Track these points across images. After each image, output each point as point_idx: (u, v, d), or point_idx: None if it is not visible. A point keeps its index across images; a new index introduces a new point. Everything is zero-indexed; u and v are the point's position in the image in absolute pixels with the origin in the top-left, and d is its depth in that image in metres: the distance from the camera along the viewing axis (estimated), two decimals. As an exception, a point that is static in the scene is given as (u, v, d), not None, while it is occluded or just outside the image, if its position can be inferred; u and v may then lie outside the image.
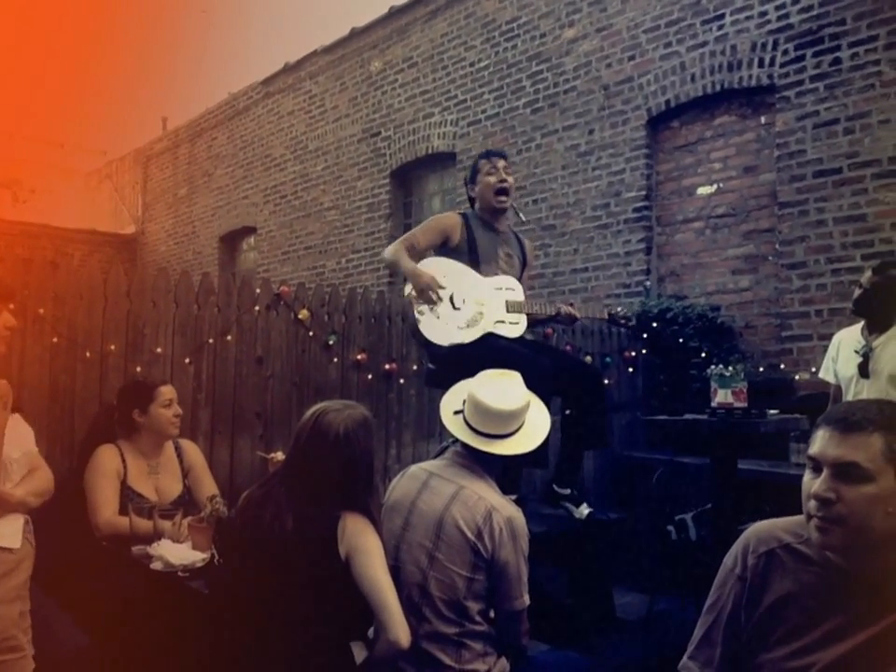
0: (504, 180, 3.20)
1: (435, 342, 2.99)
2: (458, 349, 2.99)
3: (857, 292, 3.31)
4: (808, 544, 1.39)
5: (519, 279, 3.28)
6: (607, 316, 3.47)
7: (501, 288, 3.16)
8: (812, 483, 1.33)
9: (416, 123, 7.66)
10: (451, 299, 3.05)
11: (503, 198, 3.21)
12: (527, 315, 3.19)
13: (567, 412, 3.20)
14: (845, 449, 1.31)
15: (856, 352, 3.29)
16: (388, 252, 3.17)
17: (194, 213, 10.95)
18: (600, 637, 3.09)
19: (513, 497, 2.58)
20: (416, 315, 3.00)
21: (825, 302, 4.78)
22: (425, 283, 2.99)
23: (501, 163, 3.23)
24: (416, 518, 2.08)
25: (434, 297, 2.99)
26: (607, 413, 3.35)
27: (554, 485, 3.24)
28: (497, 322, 3.09)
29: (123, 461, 2.72)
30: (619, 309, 3.62)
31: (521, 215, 3.56)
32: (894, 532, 1.29)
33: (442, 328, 3.00)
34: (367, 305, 3.99)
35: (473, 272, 3.13)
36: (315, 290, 3.82)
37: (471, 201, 3.33)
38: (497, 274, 3.19)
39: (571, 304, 3.28)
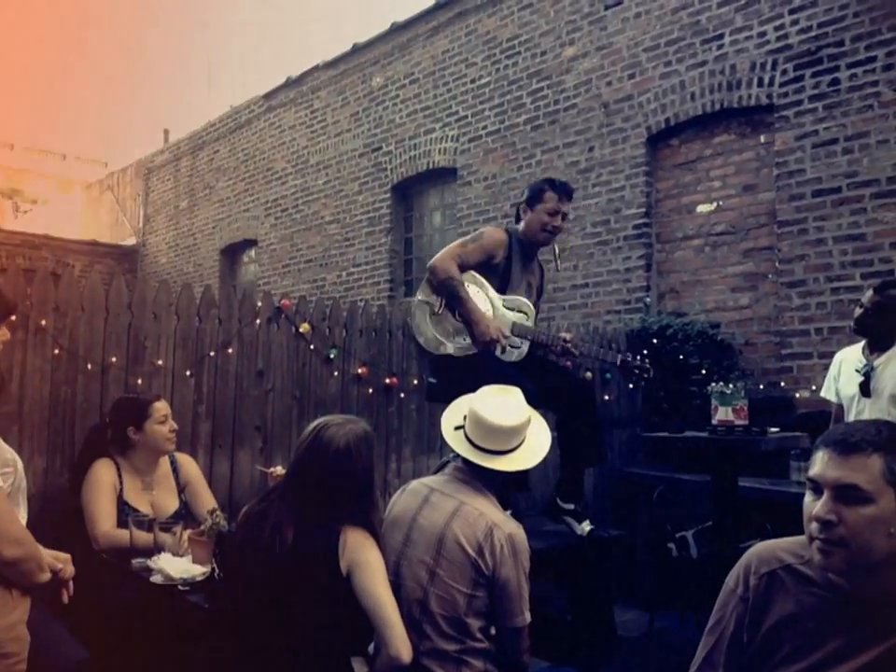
0: (559, 227, 3.18)
1: (427, 346, 3.00)
2: (446, 361, 3.01)
3: (858, 311, 3.32)
4: (810, 565, 1.39)
5: (535, 304, 3.28)
6: (618, 363, 3.21)
7: (514, 310, 3.14)
8: (813, 505, 1.34)
9: (417, 139, 7.70)
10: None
11: (551, 237, 3.20)
12: (531, 341, 3.16)
13: (563, 429, 3.18)
14: (845, 471, 1.31)
15: (857, 371, 3.30)
16: (444, 272, 3.01)
17: (195, 225, 10.97)
18: (600, 655, 3.09)
19: (508, 512, 2.58)
20: (417, 319, 3.01)
21: (825, 321, 4.79)
22: (490, 336, 2.93)
23: (567, 208, 3.19)
24: (417, 534, 2.08)
25: (489, 347, 2.94)
26: (600, 428, 3.32)
27: (558, 499, 3.23)
28: None
29: (119, 476, 2.71)
30: (637, 358, 3.25)
31: (558, 261, 3.47)
32: (896, 553, 1.29)
33: (439, 335, 3.01)
34: (367, 319, 4.00)
35: (491, 288, 3.13)
36: (315, 304, 3.83)
37: (517, 217, 3.29)
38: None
39: (567, 340, 3.16)
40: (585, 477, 3.91)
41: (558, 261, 3.48)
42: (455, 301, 3.01)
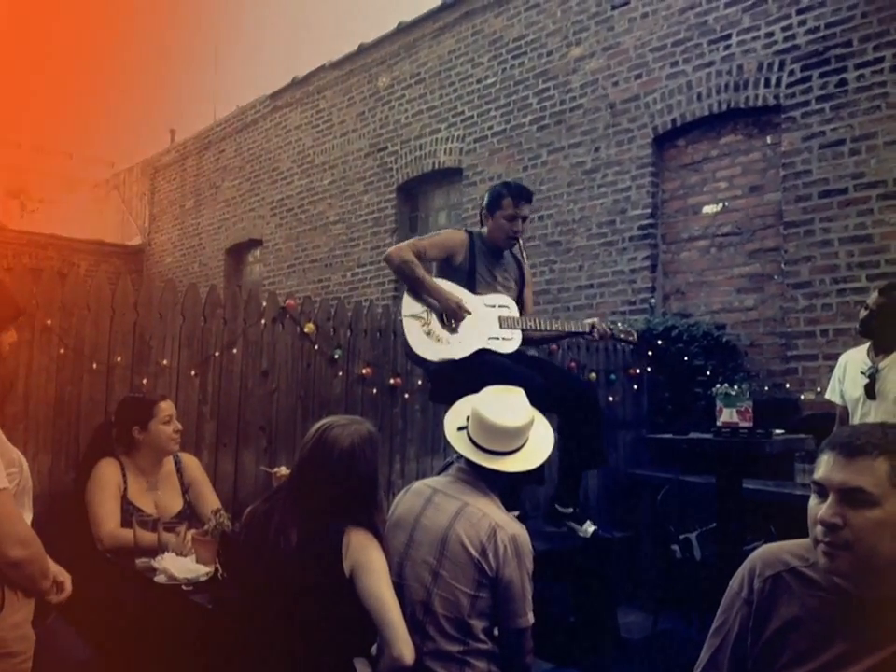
0: (518, 231, 3.21)
1: (426, 357, 3.01)
2: (451, 364, 3.01)
3: (863, 313, 3.31)
4: (815, 568, 1.38)
5: (519, 299, 3.30)
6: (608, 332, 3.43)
7: (494, 306, 3.18)
8: (818, 508, 1.33)
9: (423, 139, 7.70)
10: (442, 316, 3.07)
11: (513, 241, 3.25)
12: (522, 330, 3.20)
13: (564, 431, 3.19)
14: (850, 474, 1.30)
15: (862, 373, 3.28)
16: (398, 256, 3.07)
17: (201, 225, 11.00)
18: (604, 657, 3.08)
19: (515, 513, 2.58)
20: (408, 334, 3.02)
21: (831, 322, 4.78)
22: (453, 306, 3.02)
23: (525, 210, 3.21)
24: (420, 535, 2.08)
25: (459, 319, 3.03)
26: (603, 431, 3.34)
27: (557, 505, 3.24)
28: (491, 338, 3.11)
29: (124, 475, 2.72)
30: (619, 324, 3.59)
31: (524, 254, 3.52)
32: (902, 557, 1.28)
33: (433, 344, 3.02)
34: (372, 319, 4.00)
35: (465, 290, 3.15)
36: (320, 304, 3.83)
37: (480, 222, 3.32)
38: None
39: (559, 320, 3.28)
40: (589, 478, 3.91)
41: (524, 256, 3.50)
42: (414, 283, 3.07)
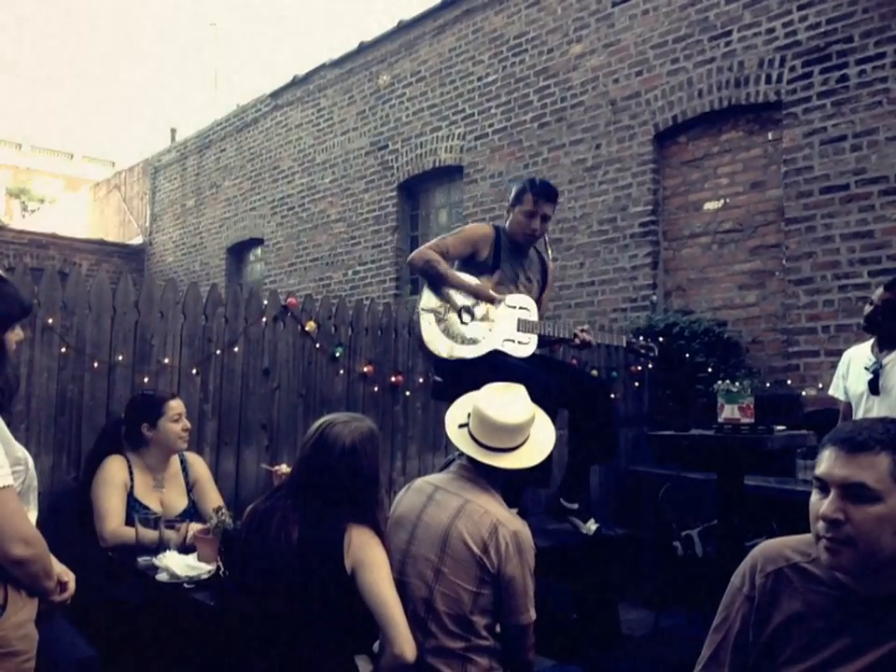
0: (536, 230, 3.15)
1: (439, 355, 2.99)
2: (463, 363, 3.00)
3: (867, 309, 3.30)
4: (817, 563, 1.38)
5: (538, 299, 3.26)
6: (625, 344, 3.37)
7: (515, 307, 3.13)
8: (820, 504, 1.33)
9: (424, 137, 7.70)
10: (460, 313, 3.05)
11: (530, 239, 3.20)
12: (539, 336, 3.16)
13: (575, 425, 3.19)
14: (852, 469, 1.30)
15: (866, 369, 3.28)
16: (420, 258, 3.06)
17: (202, 224, 11.00)
18: (606, 653, 3.08)
19: (514, 510, 2.57)
20: (423, 328, 3.01)
21: (832, 318, 4.77)
22: (486, 291, 3.05)
23: (546, 209, 3.15)
24: (422, 532, 2.08)
25: (496, 302, 3.07)
26: (613, 426, 3.32)
27: (562, 500, 3.23)
28: (506, 340, 3.08)
29: (130, 473, 2.73)
30: (640, 338, 3.52)
31: (550, 251, 3.48)
32: (903, 552, 1.28)
33: (448, 341, 3.00)
34: (373, 317, 4.00)
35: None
36: (321, 302, 3.84)
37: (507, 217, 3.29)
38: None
39: (585, 330, 3.20)
40: (591, 475, 3.91)
41: (548, 254, 3.45)
42: (439, 280, 3.04)
